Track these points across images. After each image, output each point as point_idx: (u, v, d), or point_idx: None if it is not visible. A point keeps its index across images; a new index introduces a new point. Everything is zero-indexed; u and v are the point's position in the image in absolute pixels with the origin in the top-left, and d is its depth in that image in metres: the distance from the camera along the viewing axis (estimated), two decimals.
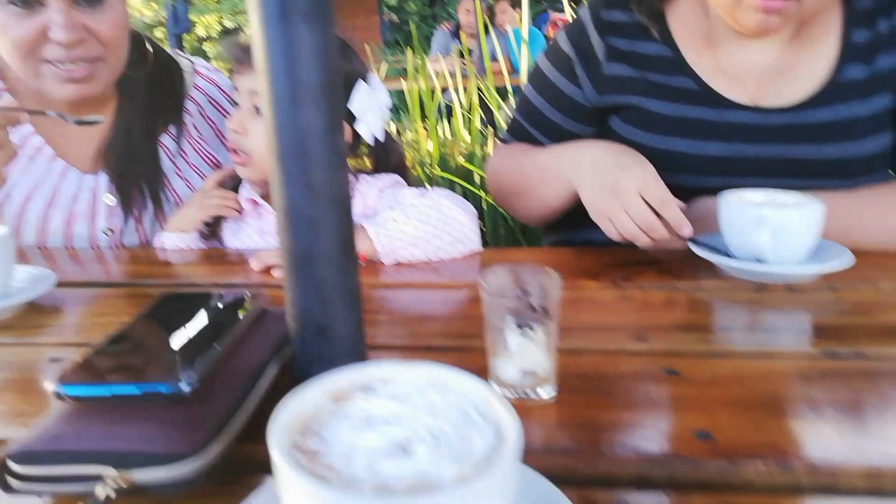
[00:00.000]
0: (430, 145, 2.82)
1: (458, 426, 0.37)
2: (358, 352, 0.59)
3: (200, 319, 0.61)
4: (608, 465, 0.51)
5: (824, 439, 0.52)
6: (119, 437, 0.45)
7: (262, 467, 0.51)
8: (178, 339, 0.56)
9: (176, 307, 0.64)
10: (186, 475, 0.44)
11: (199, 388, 0.48)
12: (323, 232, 0.55)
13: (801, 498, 0.47)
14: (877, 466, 0.49)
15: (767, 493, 0.48)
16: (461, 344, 0.72)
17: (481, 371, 0.64)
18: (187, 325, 0.59)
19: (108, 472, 0.43)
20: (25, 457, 0.44)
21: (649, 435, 0.54)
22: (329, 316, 0.56)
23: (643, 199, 0.90)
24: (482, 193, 2.43)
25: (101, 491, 0.42)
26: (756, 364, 0.65)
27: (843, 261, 0.86)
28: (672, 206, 0.90)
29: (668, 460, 0.51)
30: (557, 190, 1.07)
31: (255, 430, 0.54)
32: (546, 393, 0.59)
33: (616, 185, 0.92)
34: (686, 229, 0.90)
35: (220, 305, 0.65)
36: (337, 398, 0.40)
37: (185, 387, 0.48)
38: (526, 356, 0.57)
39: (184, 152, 1.29)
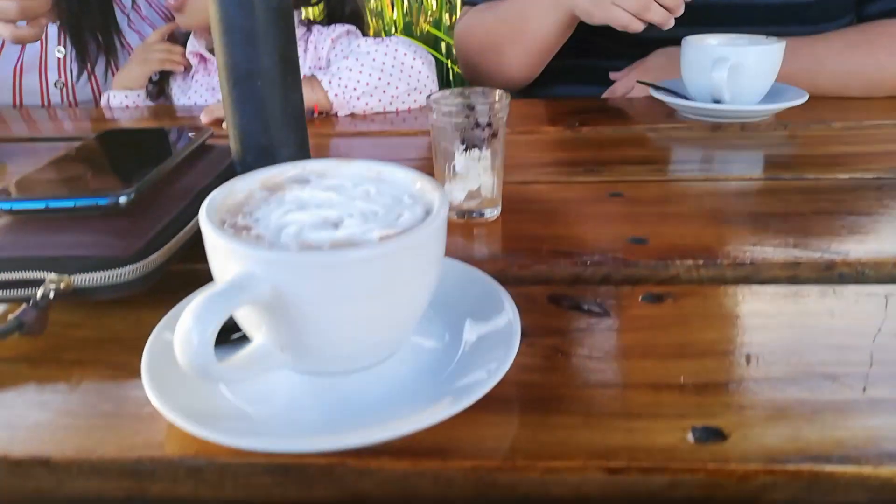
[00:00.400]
0: (394, 13, 2.70)
1: (390, 207, 0.37)
2: None
3: (141, 147, 0.59)
4: (545, 268, 0.52)
5: (753, 240, 0.54)
6: (58, 244, 0.45)
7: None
8: (118, 161, 0.55)
9: (117, 139, 0.62)
10: (125, 280, 0.45)
11: (136, 201, 0.48)
12: (262, 46, 0.53)
13: (725, 287, 0.49)
14: (797, 258, 0.51)
15: (695, 283, 0.51)
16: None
17: None
18: (128, 151, 0.58)
19: (48, 276, 0.43)
20: None
21: (587, 241, 0.55)
22: (271, 137, 0.55)
23: None
24: (449, 63, 2.36)
25: (41, 294, 0.43)
26: (701, 186, 0.67)
27: (797, 99, 0.86)
28: None
29: (603, 261, 0.52)
30: (551, 16, 1.03)
31: (199, 251, 0.54)
32: (490, 214, 0.59)
33: None
34: (680, 7, 0.89)
35: (162, 138, 0.63)
36: (271, 188, 0.40)
37: (122, 199, 0.47)
38: (472, 177, 0.57)
39: (137, 5, 1.25)
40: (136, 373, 0.37)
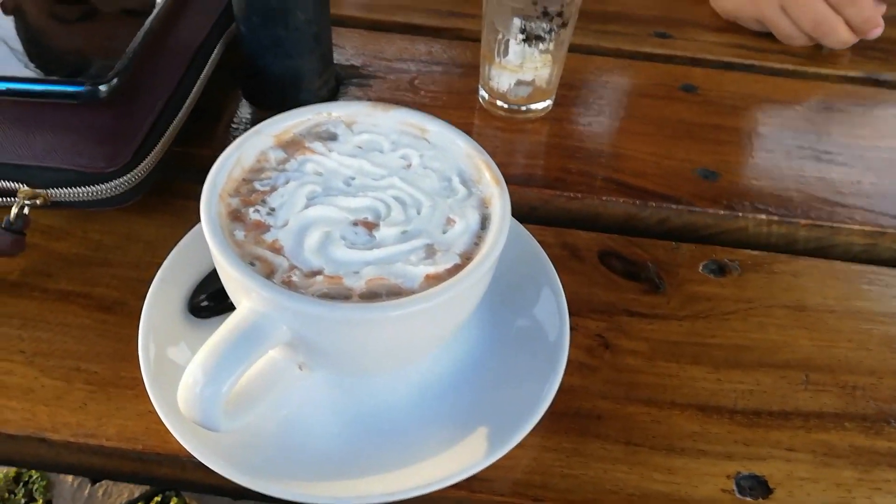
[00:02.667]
0: None
1: (436, 199, 0.30)
2: (321, 38, 0.48)
3: None
4: (596, 202, 0.45)
5: (840, 195, 0.47)
6: (28, 149, 0.37)
7: (204, 175, 0.44)
8: (89, 14, 0.44)
9: None
10: (111, 195, 0.38)
11: (119, 86, 0.39)
12: None
13: (796, 261, 0.43)
14: (882, 227, 0.45)
15: (763, 244, 0.45)
16: (451, 25, 0.60)
17: (472, 70, 0.54)
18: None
19: (21, 188, 0.37)
20: None
21: (647, 169, 0.48)
22: None
23: None
24: None
25: (15, 214, 0.36)
26: (808, 84, 0.57)
27: None
28: None
29: (663, 202, 0.45)
30: None
31: (198, 129, 0.46)
32: (541, 107, 0.50)
33: None
34: (877, 30, 0.59)
35: None
36: (288, 147, 0.32)
37: (102, 87, 0.38)
38: (527, 69, 0.47)
39: None
40: (131, 317, 0.33)
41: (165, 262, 0.35)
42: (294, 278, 0.26)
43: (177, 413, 0.29)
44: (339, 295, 0.26)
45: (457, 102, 0.51)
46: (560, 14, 0.43)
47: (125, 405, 0.33)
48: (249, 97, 0.50)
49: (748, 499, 0.32)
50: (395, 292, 0.26)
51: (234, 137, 0.46)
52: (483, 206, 0.30)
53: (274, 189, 0.29)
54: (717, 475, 0.33)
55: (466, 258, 0.28)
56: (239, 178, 0.30)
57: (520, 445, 0.32)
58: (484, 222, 0.29)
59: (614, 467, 0.33)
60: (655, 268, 0.42)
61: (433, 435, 0.31)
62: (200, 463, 0.32)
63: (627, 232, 0.44)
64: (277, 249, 0.27)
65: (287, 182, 0.30)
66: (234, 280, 0.26)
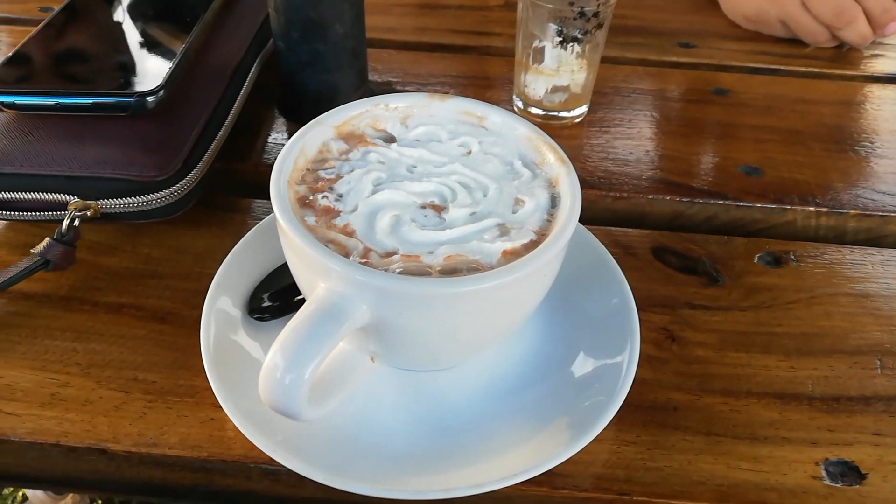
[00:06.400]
0: None
1: (502, 182, 0.29)
2: (357, 53, 0.48)
3: (152, 4, 0.48)
4: (643, 200, 0.45)
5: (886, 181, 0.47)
6: (78, 160, 0.37)
7: (247, 189, 0.45)
8: (131, 34, 0.44)
9: None
10: (162, 205, 0.37)
11: (165, 98, 0.39)
12: None
13: (851, 252, 0.43)
14: None
15: (811, 236, 0.45)
16: (477, 43, 0.61)
17: (503, 82, 0.54)
18: (137, 12, 0.46)
19: (71, 200, 0.36)
20: None
21: (691, 166, 0.47)
22: (322, 11, 0.44)
23: None
24: None
25: (66, 226, 0.36)
26: (837, 86, 0.57)
27: None
28: None
29: (710, 199, 0.45)
30: None
31: (238, 146, 0.46)
32: (577, 113, 0.50)
33: None
34: (893, 24, 0.59)
35: None
36: (349, 139, 0.31)
37: (149, 98, 0.38)
38: (564, 73, 0.47)
39: None
40: (186, 326, 0.34)
41: (220, 269, 0.35)
42: (371, 259, 0.25)
43: (246, 414, 0.28)
44: (419, 272, 0.25)
45: None
46: (596, 14, 0.44)
47: (186, 413, 0.32)
48: (286, 114, 0.50)
49: (841, 485, 0.31)
50: (475, 268, 0.25)
51: (273, 154, 0.47)
52: (551, 185, 0.30)
53: (339, 177, 0.29)
54: (804, 462, 0.31)
55: (542, 234, 0.27)
56: (303, 167, 0.29)
57: (597, 440, 0.30)
58: (554, 201, 0.29)
59: (698, 458, 0.31)
60: (711, 262, 0.41)
61: (507, 431, 0.30)
62: (267, 471, 0.31)
63: (676, 230, 0.44)
64: (350, 233, 0.26)
65: (352, 170, 0.29)
66: (312, 261, 0.25)
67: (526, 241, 0.26)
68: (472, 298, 0.25)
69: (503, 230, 0.27)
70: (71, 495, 1.08)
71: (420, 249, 0.26)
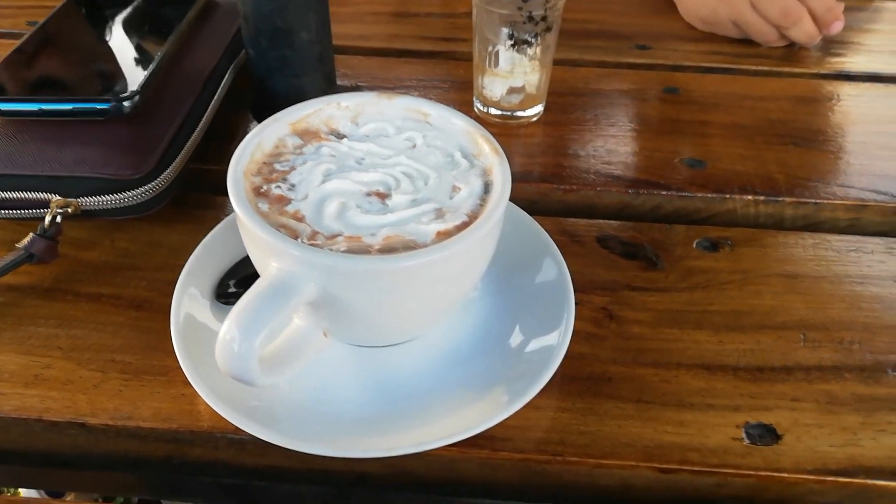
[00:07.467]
0: None
1: (441, 171, 0.32)
2: (324, 58, 0.51)
3: (130, 16, 0.51)
4: (591, 193, 0.48)
5: (820, 172, 0.50)
6: (60, 161, 0.40)
7: (219, 188, 0.47)
8: (110, 43, 0.47)
9: (94, 4, 0.53)
10: (139, 202, 0.40)
11: (141, 103, 0.42)
12: None
13: (785, 236, 0.46)
14: (863, 200, 0.48)
15: (751, 223, 0.47)
16: (444, 49, 0.64)
17: (466, 85, 0.57)
18: (116, 25, 0.49)
19: (53, 198, 0.39)
20: None
21: (637, 160, 0.51)
22: (288, 20, 0.47)
23: None
24: None
25: (48, 221, 0.39)
26: (782, 83, 0.60)
27: None
28: None
29: (654, 190, 0.48)
30: None
31: (212, 148, 0.49)
32: (533, 112, 0.53)
33: None
34: (837, 23, 0.63)
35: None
36: (304, 135, 0.34)
37: (126, 103, 0.41)
38: (518, 74, 0.50)
39: None
40: (160, 312, 0.36)
41: (191, 257, 0.37)
42: (318, 240, 0.28)
43: (212, 388, 0.31)
44: (360, 251, 0.28)
45: None
46: (544, 18, 0.47)
47: (158, 390, 0.35)
48: (258, 117, 0.53)
49: (759, 445, 0.34)
50: (411, 247, 0.28)
51: None
52: (485, 174, 0.32)
53: (293, 169, 0.32)
54: (726, 425, 0.34)
55: (473, 216, 0.30)
56: (260, 160, 0.32)
57: (536, 408, 0.33)
58: (487, 188, 0.32)
59: (628, 423, 0.34)
60: (652, 248, 0.44)
61: (450, 398, 0.33)
62: (233, 440, 0.33)
63: (622, 219, 0.47)
64: (300, 218, 0.29)
65: (304, 163, 0.32)
66: (264, 243, 0.28)
67: (458, 222, 0.29)
68: (407, 273, 0.28)
69: (439, 214, 0.30)
70: (72, 495, 1.10)
71: (363, 232, 0.29)
